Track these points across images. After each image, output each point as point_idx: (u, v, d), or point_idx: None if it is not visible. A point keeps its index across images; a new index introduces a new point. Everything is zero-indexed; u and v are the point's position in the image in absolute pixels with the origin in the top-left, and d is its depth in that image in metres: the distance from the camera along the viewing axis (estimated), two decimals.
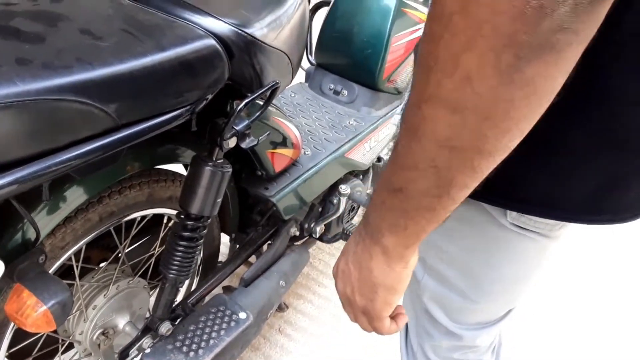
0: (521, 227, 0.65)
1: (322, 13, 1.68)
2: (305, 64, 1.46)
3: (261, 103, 0.99)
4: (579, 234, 2.08)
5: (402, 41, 1.55)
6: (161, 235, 1.17)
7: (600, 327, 1.90)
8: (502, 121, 0.38)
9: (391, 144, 2.00)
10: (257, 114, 0.97)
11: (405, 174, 0.46)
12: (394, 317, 0.63)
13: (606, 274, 2.15)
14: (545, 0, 0.32)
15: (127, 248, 1.15)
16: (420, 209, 0.47)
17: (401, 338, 0.99)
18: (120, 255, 1.07)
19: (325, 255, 2.00)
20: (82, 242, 0.92)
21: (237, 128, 0.92)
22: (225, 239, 1.38)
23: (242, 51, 0.88)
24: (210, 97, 0.84)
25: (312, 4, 1.61)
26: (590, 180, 0.56)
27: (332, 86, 1.66)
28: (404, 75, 1.66)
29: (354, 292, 0.60)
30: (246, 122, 0.94)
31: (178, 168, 1.16)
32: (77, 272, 0.97)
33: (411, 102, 0.42)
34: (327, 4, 1.63)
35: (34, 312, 0.74)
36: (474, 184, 0.44)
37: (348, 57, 1.59)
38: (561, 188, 0.58)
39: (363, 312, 0.61)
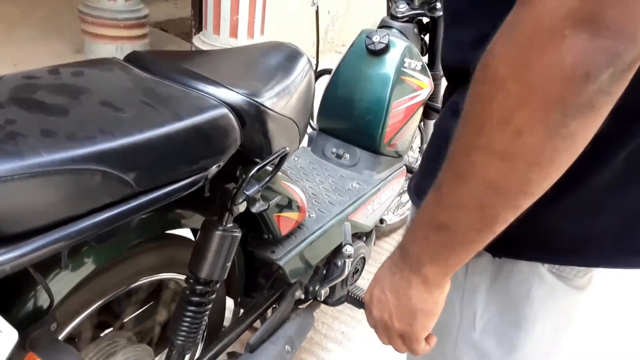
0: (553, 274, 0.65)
1: (324, 80, 1.74)
2: (307, 129, 1.51)
3: (270, 168, 1.01)
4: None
5: (401, 107, 1.61)
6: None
7: None
8: (547, 167, 0.44)
9: (394, 205, 2.01)
10: (267, 179, 0.99)
11: (450, 213, 0.51)
12: (425, 337, 0.67)
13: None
14: (591, 69, 0.38)
15: (132, 314, 1.14)
16: (465, 243, 0.53)
17: None
18: (125, 321, 1.06)
19: (328, 319, 1.97)
20: (92, 308, 0.92)
21: (247, 193, 0.94)
22: (228, 303, 1.37)
23: (254, 119, 0.92)
24: (222, 163, 0.87)
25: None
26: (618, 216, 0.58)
27: (334, 150, 1.71)
28: (404, 139, 1.71)
29: (392, 318, 0.63)
30: (256, 187, 0.96)
31: (185, 232, 1.16)
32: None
33: (458, 150, 0.48)
34: (329, 72, 1.70)
35: None
36: (513, 218, 0.49)
37: (350, 122, 1.64)
38: (588, 229, 0.59)
39: (400, 336, 0.65)
